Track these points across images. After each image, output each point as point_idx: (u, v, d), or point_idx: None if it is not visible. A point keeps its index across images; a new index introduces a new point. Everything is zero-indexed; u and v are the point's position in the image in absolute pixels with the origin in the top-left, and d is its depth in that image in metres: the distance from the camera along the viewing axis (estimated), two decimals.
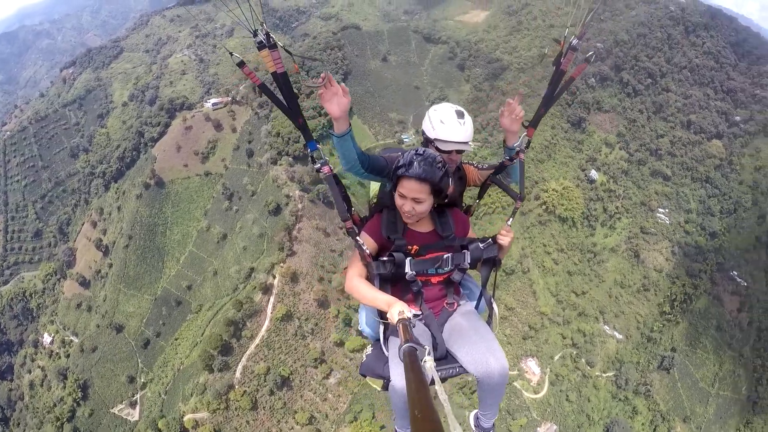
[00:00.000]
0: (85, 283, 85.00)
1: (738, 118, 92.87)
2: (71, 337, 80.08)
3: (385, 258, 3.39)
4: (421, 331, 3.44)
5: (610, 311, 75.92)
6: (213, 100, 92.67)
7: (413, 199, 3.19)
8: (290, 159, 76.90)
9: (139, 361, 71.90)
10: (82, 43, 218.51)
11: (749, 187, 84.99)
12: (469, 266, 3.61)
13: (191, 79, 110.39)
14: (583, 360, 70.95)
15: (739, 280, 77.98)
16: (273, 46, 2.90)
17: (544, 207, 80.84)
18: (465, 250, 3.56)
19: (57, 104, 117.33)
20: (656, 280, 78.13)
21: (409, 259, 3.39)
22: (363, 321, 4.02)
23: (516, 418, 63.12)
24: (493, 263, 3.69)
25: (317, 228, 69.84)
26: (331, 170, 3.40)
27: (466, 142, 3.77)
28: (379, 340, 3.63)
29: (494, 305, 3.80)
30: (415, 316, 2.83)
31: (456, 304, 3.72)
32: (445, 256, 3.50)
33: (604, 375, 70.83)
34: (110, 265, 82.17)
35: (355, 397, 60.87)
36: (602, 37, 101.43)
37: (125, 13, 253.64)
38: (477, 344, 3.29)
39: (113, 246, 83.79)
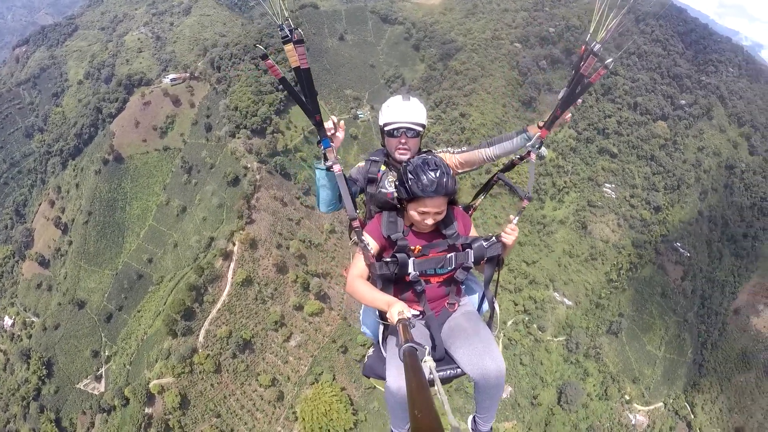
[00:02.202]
0: (44, 263, 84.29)
1: (683, 102, 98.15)
2: (32, 318, 79.28)
3: (388, 259, 3.40)
4: (419, 332, 3.45)
5: (559, 279, 79.16)
6: (171, 76, 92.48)
7: (436, 213, 3.25)
8: (248, 132, 78.17)
9: (103, 335, 72.12)
10: (33, 22, 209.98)
11: (692, 165, 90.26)
12: (473, 265, 3.55)
13: (148, 57, 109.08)
14: (534, 325, 73.60)
15: (682, 250, 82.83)
16: (299, 42, 2.95)
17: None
18: (468, 249, 3.51)
19: (10, 83, 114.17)
20: (603, 250, 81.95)
21: (412, 259, 3.39)
22: (363, 321, 4.02)
23: (470, 380, 66.94)
24: (496, 262, 3.65)
25: (275, 198, 71.79)
26: (341, 169, 3.50)
27: (414, 122, 3.78)
28: (379, 341, 3.63)
29: (496, 305, 3.81)
30: (415, 316, 2.88)
31: (457, 305, 3.71)
32: (448, 255, 3.48)
33: (555, 339, 73.77)
34: (70, 243, 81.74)
35: (316, 359, 63.37)
36: (554, 22, 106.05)
37: None
38: (474, 345, 3.29)
39: (72, 223, 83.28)
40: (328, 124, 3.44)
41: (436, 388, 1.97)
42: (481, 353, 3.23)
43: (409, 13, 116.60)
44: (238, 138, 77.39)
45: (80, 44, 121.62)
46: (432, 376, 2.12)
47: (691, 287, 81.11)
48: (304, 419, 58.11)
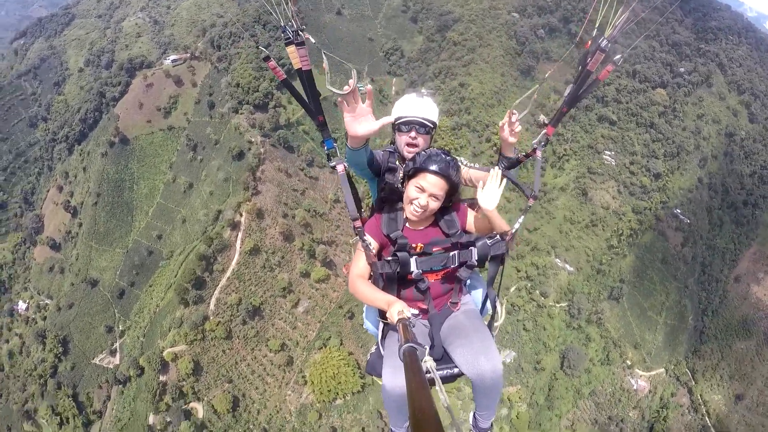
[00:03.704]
0: (55, 246, 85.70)
1: (682, 70, 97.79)
2: (46, 301, 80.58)
3: (389, 258, 3.40)
4: (419, 331, 3.46)
5: (561, 245, 79.08)
6: (172, 57, 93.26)
7: (431, 195, 3.27)
8: (251, 108, 79.14)
9: (116, 311, 73.61)
10: (28, 16, 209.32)
11: (692, 132, 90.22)
12: (477, 263, 3.50)
13: (147, 41, 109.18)
14: (537, 291, 73.84)
15: (682, 217, 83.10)
16: (300, 43, 2.93)
17: (495, 149, 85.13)
18: (472, 247, 3.47)
19: (11, 76, 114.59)
20: (603, 216, 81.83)
21: (414, 257, 3.40)
22: (366, 320, 4.05)
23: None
24: (501, 260, 3.57)
25: (279, 170, 73.13)
26: (345, 169, 3.47)
27: (425, 118, 3.75)
28: (379, 339, 3.64)
29: (498, 305, 3.78)
30: (415, 315, 2.85)
31: (459, 304, 3.69)
32: (451, 253, 3.47)
33: (557, 305, 74.17)
34: (80, 225, 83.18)
35: (323, 325, 65.12)
36: None
37: None
38: (471, 344, 3.28)
39: (81, 206, 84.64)
40: (343, 89, 3.00)
41: (436, 387, 2.03)
42: (476, 352, 3.23)
43: None
44: (241, 114, 78.38)
45: (78, 33, 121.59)
46: (432, 375, 2.16)
47: (691, 254, 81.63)
48: (313, 383, 59.89)
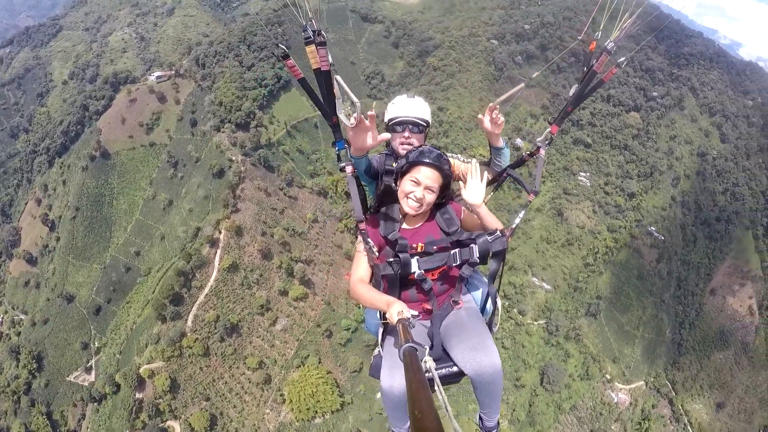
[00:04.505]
0: (32, 260, 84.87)
1: (655, 94, 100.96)
2: (21, 316, 79.41)
3: (390, 259, 3.39)
4: (418, 331, 3.48)
5: (537, 264, 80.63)
6: (157, 74, 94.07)
7: (426, 187, 3.31)
8: (233, 126, 79.85)
9: (92, 327, 72.68)
10: (14, 24, 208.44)
11: (665, 153, 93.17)
12: (479, 261, 3.45)
13: (132, 56, 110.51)
14: (515, 310, 74.68)
15: (656, 234, 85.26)
16: (321, 43, 2.95)
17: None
18: (473, 245, 3.43)
19: None
20: (579, 235, 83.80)
21: (415, 258, 3.39)
22: (367, 322, 4.03)
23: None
24: (502, 256, 3.50)
25: (259, 188, 73.61)
26: (354, 171, 3.50)
27: (418, 117, 3.87)
28: (380, 341, 3.63)
29: (498, 302, 3.77)
30: (414, 316, 2.83)
31: (461, 302, 3.68)
32: (452, 252, 3.45)
33: (535, 323, 75.26)
34: (57, 239, 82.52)
35: (302, 343, 65.18)
36: (530, 19, 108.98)
37: None
38: (469, 341, 3.27)
39: (60, 220, 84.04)
40: (350, 121, 3.24)
41: (436, 387, 2.03)
42: (474, 349, 3.21)
43: (388, 12, 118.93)
44: (223, 132, 79.00)
45: (64, 45, 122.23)
46: (432, 375, 2.17)
47: (666, 269, 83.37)
48: (291, 401, 59.74)
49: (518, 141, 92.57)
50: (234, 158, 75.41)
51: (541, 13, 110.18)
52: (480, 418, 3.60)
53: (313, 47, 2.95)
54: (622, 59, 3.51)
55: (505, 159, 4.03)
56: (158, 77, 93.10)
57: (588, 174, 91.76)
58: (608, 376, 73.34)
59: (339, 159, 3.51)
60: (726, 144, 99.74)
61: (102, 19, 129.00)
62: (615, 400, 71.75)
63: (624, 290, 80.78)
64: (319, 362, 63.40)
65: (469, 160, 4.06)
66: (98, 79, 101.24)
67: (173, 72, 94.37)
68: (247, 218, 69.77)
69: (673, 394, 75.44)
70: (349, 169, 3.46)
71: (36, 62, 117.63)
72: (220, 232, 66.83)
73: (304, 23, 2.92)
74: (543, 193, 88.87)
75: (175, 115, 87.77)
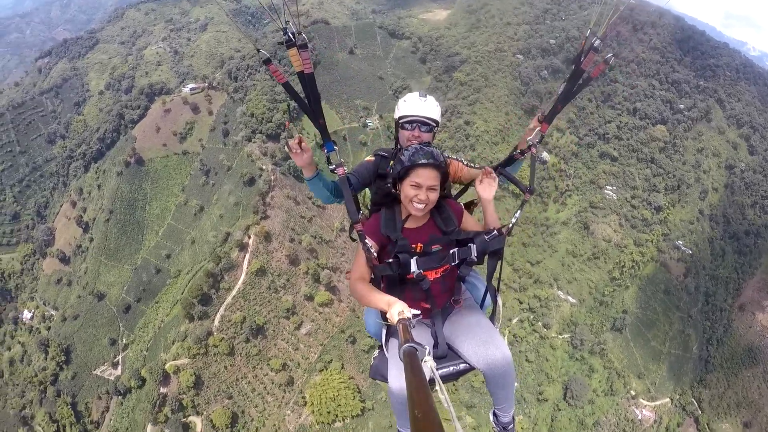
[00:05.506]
0: (65, 260, 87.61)
1: (682, 106, 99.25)
2: (51, 311, 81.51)
3: (390, 260, 3.40)
4: (421, 331, 3.51)
5: (563, 278, 79.86)
6: (191, 85, 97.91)
7: (429, 188, 3.28)
8: (263, 137, 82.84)
9: (121, 325, 74.77)
10: (52, 38, 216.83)
11: (692, 166, 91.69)
12: (477, 260, 3.46)
13: (166, 70, 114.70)
14: (539, 323, 74.41)
15: (684, 248, 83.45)
16: (303, 46, 2.94)
17: (498, 184, 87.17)
18: (471, 244, 3.45)
19: (33, 92, 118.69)
20: (605, 249, 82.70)
21: (415, 258, 3.40)
22: (367, 323, 4.06)
23: (477, 374, 68.06)
24: (499, 255, 3.51)
25: (288, 197, 75.81)
26: (345, 172, 3.55)
27: (429, 117, 3.90)
28: (383, 342, 3.63)
29: (499, 299, 3.81)
30: (415, 316, 2.80)
31: (461, 301, 3.72)
32: (451, 251, 3.47)
33: (560, 336, 74.58)
34: (91, 240, 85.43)
35: (325, 348, 66.03)
36: (555, 34, 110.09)
37: (95, 8, 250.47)
38: (477, 336, 3.31)
39: (93, 222, 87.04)
40: (291, 141, 3.48)
41: (437, 387, 2.03)
42: (484, 343, 3.26)
43: (415, 28, 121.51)
44: (254, 142, 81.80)
45: (101, 57, 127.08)
46: (433, 375, 2.16)
47: (694, 284, 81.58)
48: (312, 404, 60.22)
49: (544, 155, 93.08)
50: (264, 167, 77.85)
51: (565, 27, 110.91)
52: (495, 414, 3.68)
53: (294, 50, 3.02)
54: (609, 55, 3.58)
55: (518, 165, 4.31)
56: (192, 89, 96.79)
57: (614, 187, 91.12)
58: (633, 392, 71.66)
59: (329, 161, 3.58)
60: (755, 156, 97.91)
61: (137, 33, 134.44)
62: (639, 417, 69.87)
63: (650, 305, 79.34)
64: (342, 367, 64.14)
65: (472, 164, 4.23)
66: (134, 90, 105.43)
67: (206, 84, 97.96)
68: (276, 225, 71.77)
69: (699, 412, 73.32)
70: (340, 170, 3.56)
71: (73, 73, 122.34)
72: (249, 237, 68.88)
73: (283, 26, 2.96)
74: (569, 207, 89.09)
75: (208, 126, 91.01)
